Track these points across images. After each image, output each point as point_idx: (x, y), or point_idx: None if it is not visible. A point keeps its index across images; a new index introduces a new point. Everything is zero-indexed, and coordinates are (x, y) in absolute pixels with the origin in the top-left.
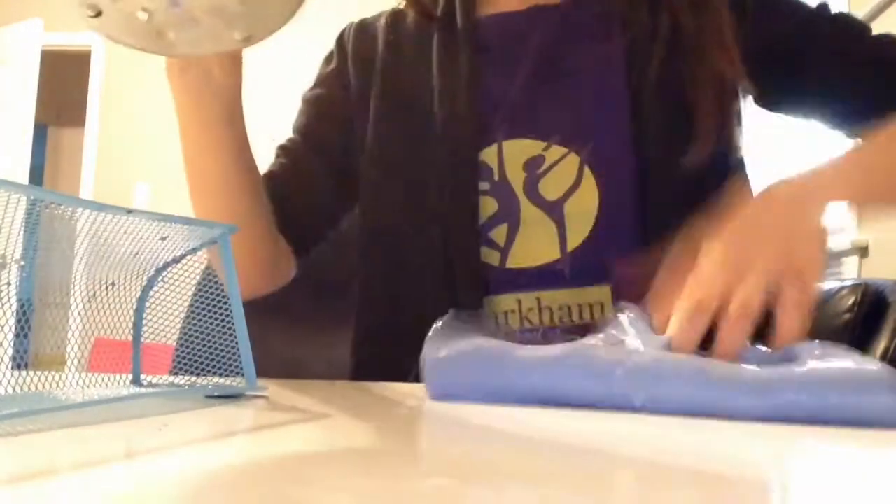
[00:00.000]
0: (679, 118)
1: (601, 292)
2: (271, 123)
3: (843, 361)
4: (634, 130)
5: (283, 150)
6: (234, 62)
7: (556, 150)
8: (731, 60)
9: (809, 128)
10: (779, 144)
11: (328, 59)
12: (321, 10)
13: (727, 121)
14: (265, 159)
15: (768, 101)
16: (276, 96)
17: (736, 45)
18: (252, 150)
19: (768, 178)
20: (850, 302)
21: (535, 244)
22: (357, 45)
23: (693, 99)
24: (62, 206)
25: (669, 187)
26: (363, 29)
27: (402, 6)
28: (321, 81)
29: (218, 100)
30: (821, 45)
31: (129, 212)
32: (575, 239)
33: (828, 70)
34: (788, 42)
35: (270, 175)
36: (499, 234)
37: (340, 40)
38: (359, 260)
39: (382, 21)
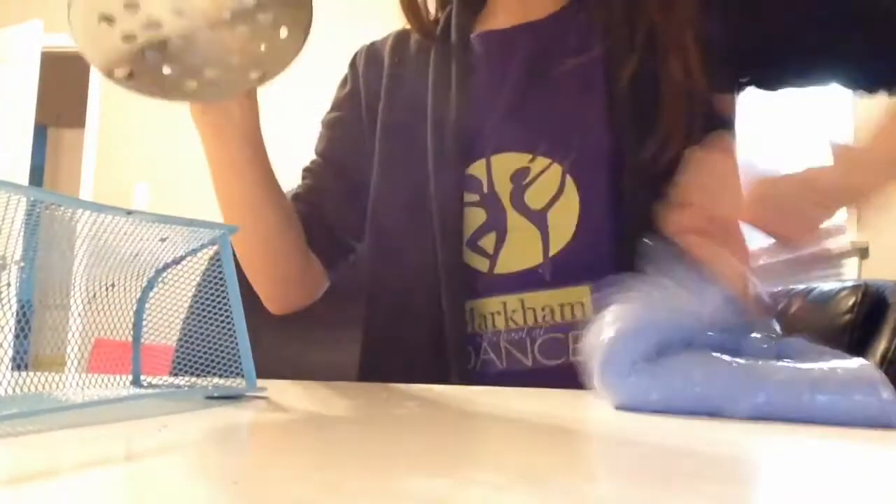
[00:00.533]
0: (651, 122)
1: (581, 292)
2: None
3: (824, 362)
4: (610, 137)
5: (308, 171)
6: (249, 97)
7: (541, 162)
8: (688, 64)
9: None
10: (769, 145)
11: (343, 83)
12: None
13: (694, 121)
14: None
15: (773, 81)
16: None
17: (696, 46)
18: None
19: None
20: (851, 303)
21: (520, 251)
22: (367, 66)
23: (661, 101)
24: (62, 208)
25: (645, 191)
26: (373, 51)
27: (406, 26)
28: (337, 105)
29: (238, 132)
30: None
31: (129, 213)
32: (557, 244)
33: (826, 34)
34: (779, 20)
35: (297, 196)
36: (487, 242)
37: (353, 64)
38: (366, 263)
39: (389, 42)
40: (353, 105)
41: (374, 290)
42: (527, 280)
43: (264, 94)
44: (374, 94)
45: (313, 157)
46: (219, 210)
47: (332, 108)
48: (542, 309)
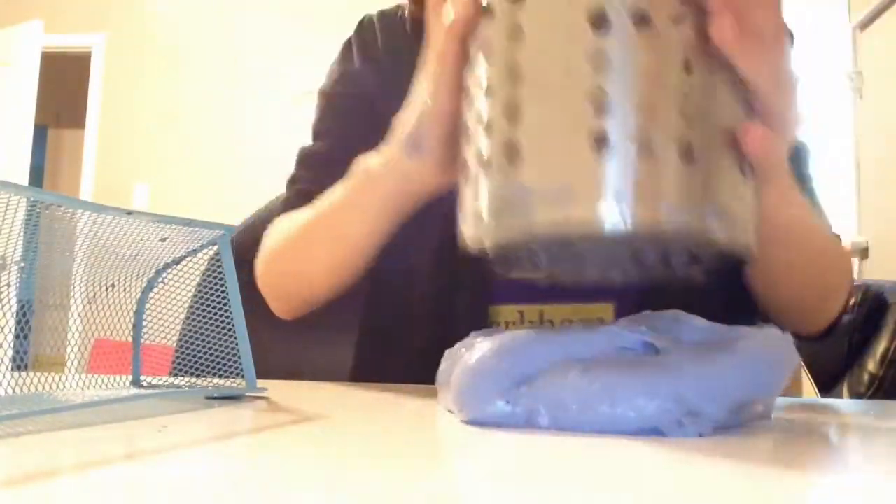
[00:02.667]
0: None
1: (603, 309)
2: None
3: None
4: None
5: (314, 160)
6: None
7: None
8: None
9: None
10: None
11: (346, 58)
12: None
13: None
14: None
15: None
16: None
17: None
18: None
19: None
20: (851, 303)
21: None
22: (386, 34)
23: None
24: (62, 208)
25: None
26: (388, 18)
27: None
28: (346, 79)
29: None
30: None
31: (129, 213)
32: None
33: None
34: None
35: (307, 193)
36: None
37: (362, 34)
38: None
39: (377, 28)
40: (369, 78)
41: (375, 289)
42: (548, 290)
43: (259, 78)
44: (398, 60)
45: (311, 141)
46: (298, 240)
47: (338, 83)
48: (562, 322)
